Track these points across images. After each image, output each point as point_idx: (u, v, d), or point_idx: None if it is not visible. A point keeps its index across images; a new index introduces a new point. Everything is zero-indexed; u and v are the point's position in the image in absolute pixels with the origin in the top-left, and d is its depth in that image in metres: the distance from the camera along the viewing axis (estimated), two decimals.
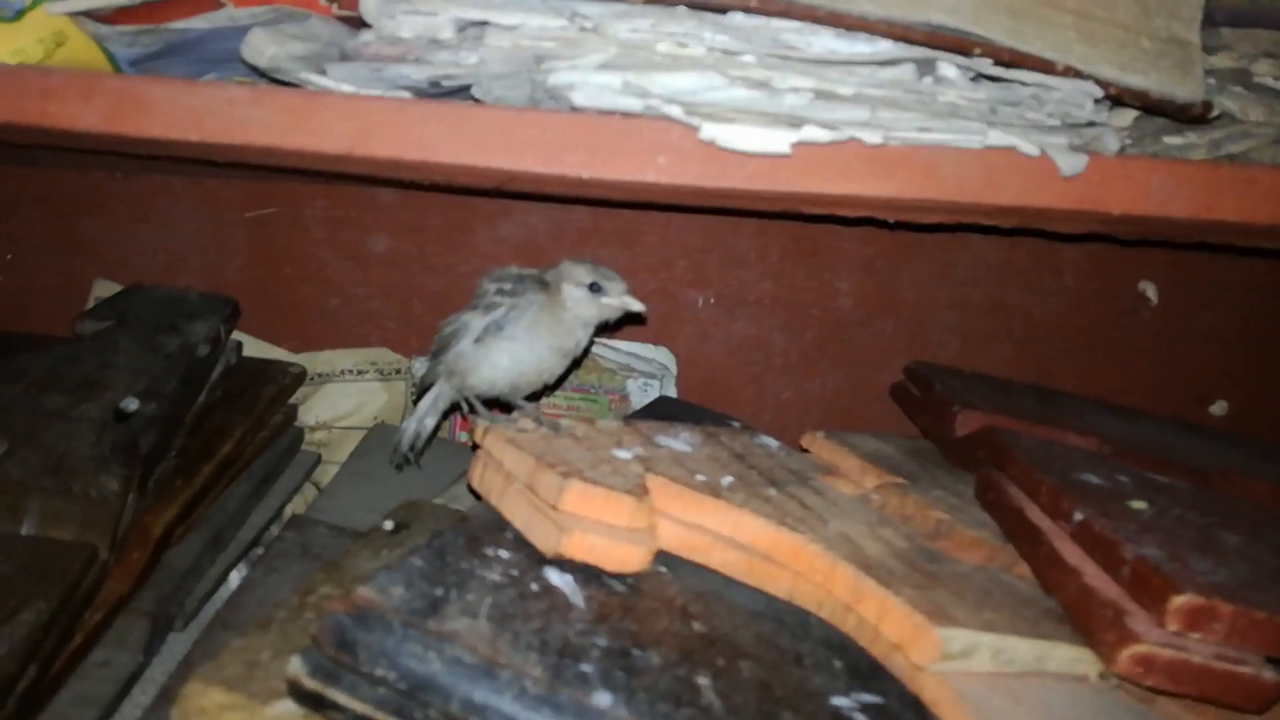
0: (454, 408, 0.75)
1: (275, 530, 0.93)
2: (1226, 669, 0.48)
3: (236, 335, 1.02)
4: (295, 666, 0.46)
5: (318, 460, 1.00)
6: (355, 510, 0.83)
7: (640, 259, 1.08)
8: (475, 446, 0.62)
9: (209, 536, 0.84)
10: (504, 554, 0.54)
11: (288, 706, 0.47)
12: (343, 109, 0.54)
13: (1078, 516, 0.59)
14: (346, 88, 0.57)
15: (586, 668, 0.46)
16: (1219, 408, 1.12)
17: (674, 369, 1.08)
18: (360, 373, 1.07)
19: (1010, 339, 1.10)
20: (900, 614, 0.51)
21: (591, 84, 0.51)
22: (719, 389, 1.10)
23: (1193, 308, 1.10)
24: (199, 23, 0.60)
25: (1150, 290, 1.10)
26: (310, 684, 0.45)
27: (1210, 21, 0.62)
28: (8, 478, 0.73)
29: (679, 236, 1.08)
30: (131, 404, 0.82)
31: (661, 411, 0.97)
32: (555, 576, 0.53)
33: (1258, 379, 1.11)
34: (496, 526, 0.57)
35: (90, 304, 1.03)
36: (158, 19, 0.60)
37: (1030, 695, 0.50)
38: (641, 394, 1.07)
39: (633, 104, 0.52)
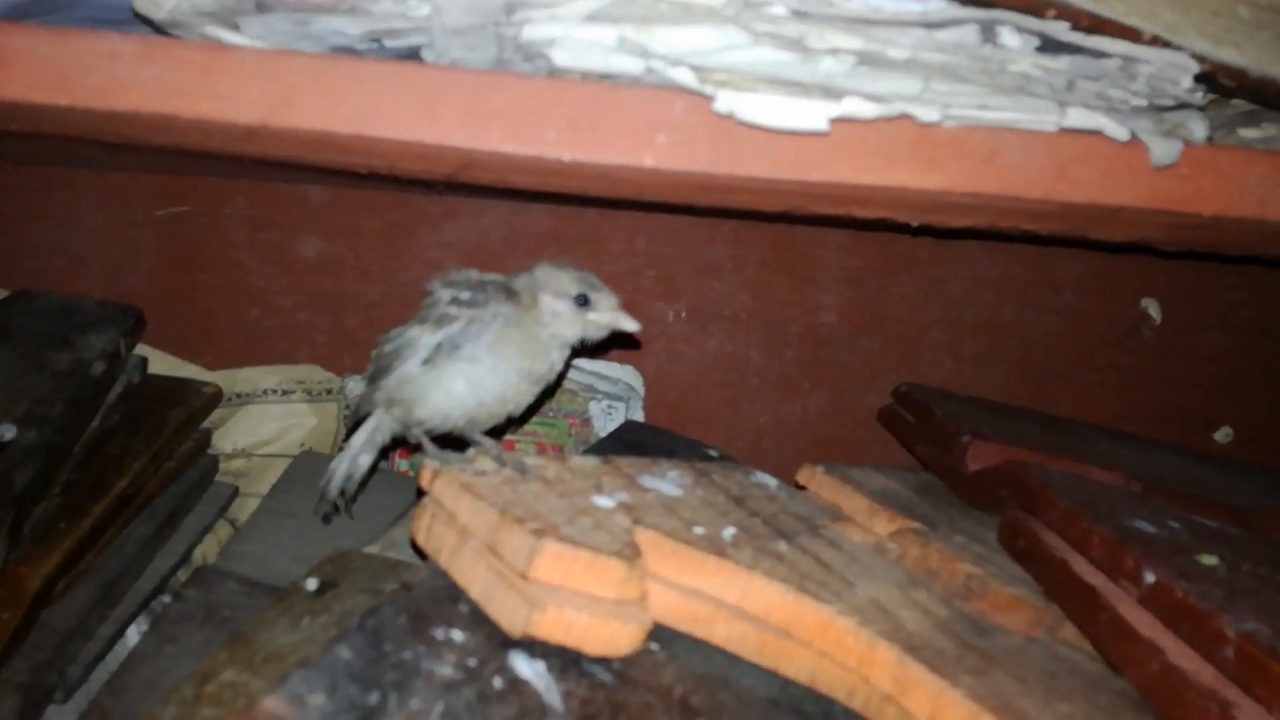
0: (396, 442, 0.62)
1: (182, 575, 0.81)
2: None
3: (141, 350, 0.89)
4: None
5: (234, 494, 0.88)
6: (275, 557, 0.71)
7: (605, 267, 0.96)
8: (421, 492, 0.50)
9: (99, 589, 0.71)
10: (457, 636, 0.42)
11: None
12: (257, 67, 0.42)
13: (1149, 578, 0.49)
14: (263, 44, 0.45)
15: None
16: (1223, 435, 1.04)
17: (641, 390, 0.97)
18: (285, 393, 0.94)
19: (1005, 359, 1.01)
20: (962, 711, 0.41)
21: (577, 39, 0.40)
22: (690, 412, 1.00)
23: (1197, 327, 1.03)
24: None
25: (1153, 308, 1.02)
26: None
27: None
28: None
29: (647, 243, 0.97)
30: (8, 432, 0.69)
31: (629, 438, 0.87)
32: (524, 666, 0.42)
33: (1263, 404, 1.03)
34: (448, 597, 0.45)
35: None
36: None
37: None
38: (605, 417, 0.96)
39: (630, 66, 0.41)
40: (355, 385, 0.94)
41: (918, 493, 0.72)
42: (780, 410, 1.00)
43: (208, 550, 0.84)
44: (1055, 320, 1.01)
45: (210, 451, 0.89)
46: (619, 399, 0.96)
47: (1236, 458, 1.02)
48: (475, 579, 0.45)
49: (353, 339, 0.96)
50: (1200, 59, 0.45)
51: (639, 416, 0.96)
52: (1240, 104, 0.51)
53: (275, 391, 0.95)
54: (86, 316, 0.82)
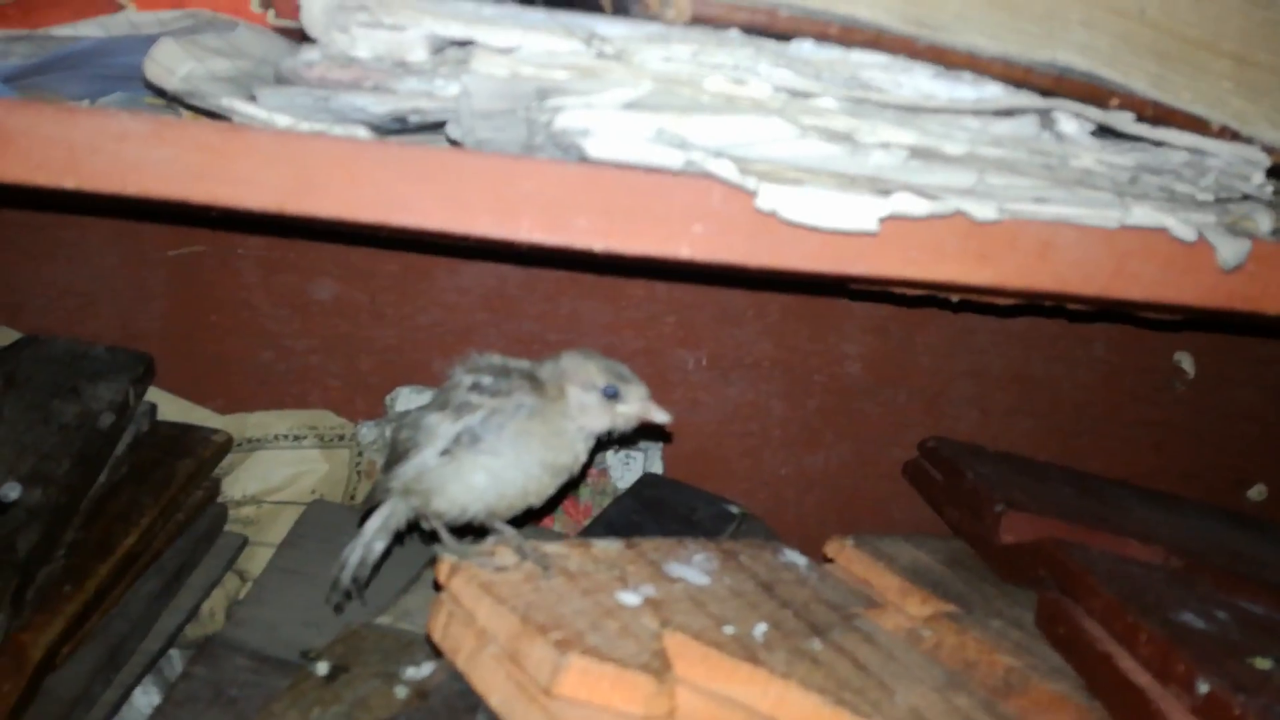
0: (411, 527, 0.60)
1: (189, 632, 0.79)
2: None
3: (152, 393, 0.87)
4: None
5: (243, 544, 0.86)
6: (285, 623, 0.69)
7: (624, 313, 0.95)
8: (438, 586, 0.48)
9: (104, 652, 0.69)
10: None
11: None
12: (274, 150, 0.40)
13: (1203, 688, 0.47)
14: (282, 120, 0.43)
15: None
16: (1257, 492, 1.02)
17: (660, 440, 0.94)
18: (297, 438, 0.92)
19: (1033, 413, 0.99)
20: None
21: (613, 129, 0.38)
22: (710, 462, 0.97)
23: (1232, 384, 1.00)
24: (90, 29, 0.46)
25: (1186, 362, 0.99)
26: None
27: None
28: None
29: (668, 290, 0.95)
30: (12, 492, 0.67)
31: (649, 495, 0.85)
32: None
33: None
34: (464, 705, 0.43)
35: None
36: (34, 22, 0.46)
37: None
38: (623, 467, 0.94)
39: (669, 158, 0.38)
40: (368, 431, 0.92)
41: (950, 566, 0.69)
42: (802, 462, 0.98)
43: (215, 604, 0.82)
44: (1085, 374, 0.99)
45: (220, 499, 0.87)
46: (637, 449, 0.94)
47: (1271, 516, 0.99)
48: (495, 687, 0.43)
49: (366, 384, 0.94)
50: (1271, 150, 0.42)
51: (657, 467, 0.94)
52: None
53: (287, 437, 0.93)
54: (95, 365, 0.80)
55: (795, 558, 0.61)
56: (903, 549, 0.69)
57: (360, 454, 0.93)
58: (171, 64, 0.46)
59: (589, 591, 0.47)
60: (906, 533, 0.76)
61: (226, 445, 0.86)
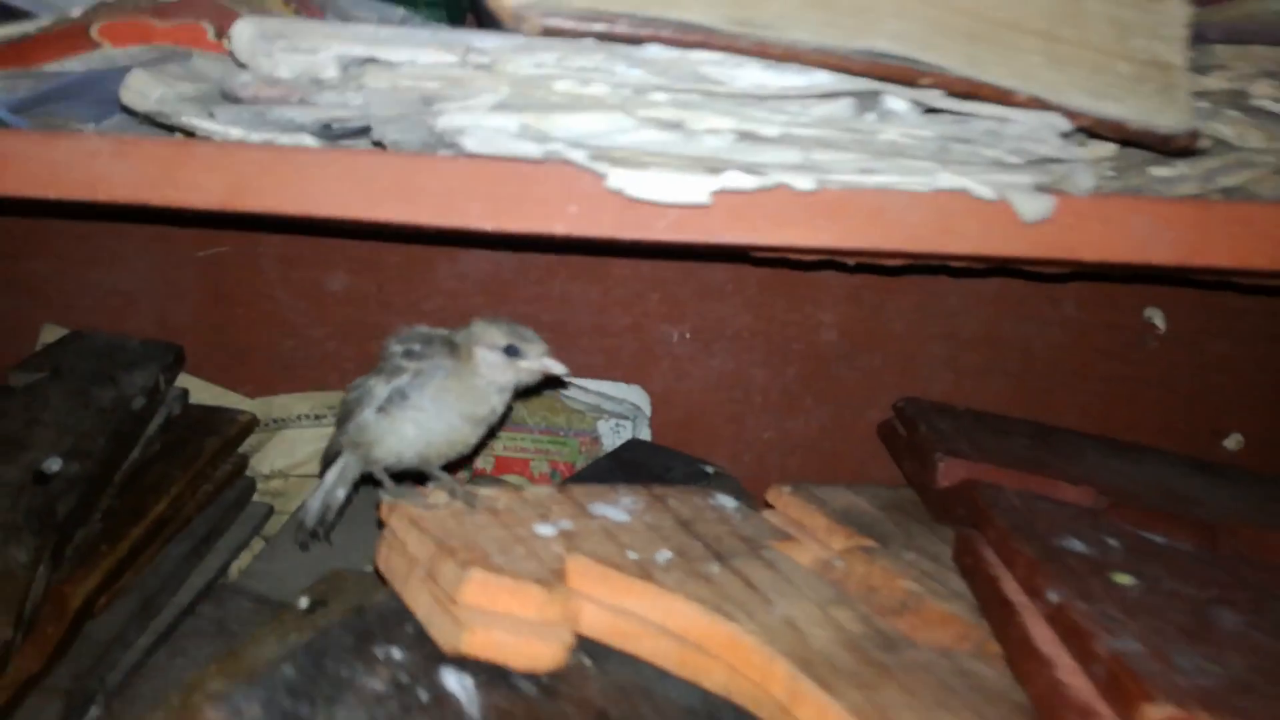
0: (364, 478, 0.69)
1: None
2: None
3: (185, 380, 0.97)
4: None
5: (269, 512, 0.95)
6: (293, 576, 0.78)
7: (611, 293, 1.03)
8: (380, 524, 0.56)
9: (138, 603, 0.78)
10: (397, 654, 0.48)
11: None
12: (213, 160, 0.48)
13: (1053, 597, 0.53)
14: (235, 131, 0.51)
15: None
16: (1234, 442, 1.05)
17: (647, 409, 1.02)
18: (318, 417, 1.02)
19: (1006, 373, 1.03)
20: None
21: (484, 127, 0.46)
22: (696, 429, 1.04)
23: (1204, 336, 1.03)
24: (74, 64, 0.55)
25: (1158, 318, 1.03)
26: None
27: (1202, 39, 0.55)
28: None
29: (651, 268, 1.02)
30: (54, 464, 0.77)
31: (628, 457, 0.92)
32: (452, 680, 0.47)
33: (1274, 410, 1.03)
34: (397, 619, 0.51)
35: (34, 351, 0.99)
36: (27, 61, 0.55)
37: None
38: (614, 435, 1.01)
39: (531, 149, 0.46)
40: None
41: (884, 510, 0.75)
42: (783, 426, 1.04)
43: (243, 565, 0.92)
44: (1056, 332, 1.03)
45: (248, 474, 0.97)
46: (626, 418, 1.01)
47: (1248, 465, 1.02)
48: (420, 603, 0.51)
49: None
50: (1078, 115, 0.48)
51: (646, 435, 1.01)
52: None
53: (309, 417, 1.02)
54: (130, 355, 0.90)
55: (726, 501, 0.68)
56: (839, 495, 0.75)
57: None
58: (145, 90, 0.54)
59: (508, 525, 0.55)
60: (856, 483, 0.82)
61: (251, 424, 0.96)
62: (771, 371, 1.03)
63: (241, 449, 0.96)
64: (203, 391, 1.00)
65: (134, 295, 1.03)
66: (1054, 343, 1.03)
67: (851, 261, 0.62)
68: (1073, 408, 1.03)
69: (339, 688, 0.44)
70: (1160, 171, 0.55)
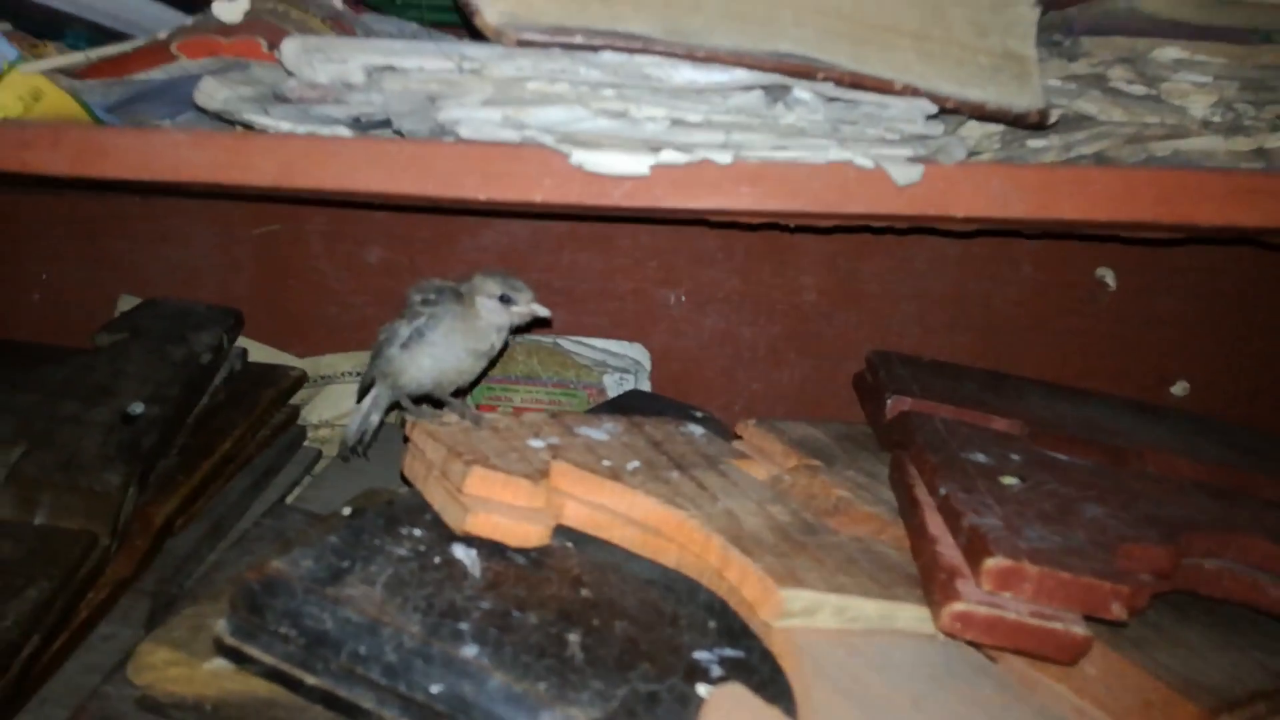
0: (395, 405, 0.83)
1: None
2: (1039, 625, 0.54)
3: (244, 342, 1.11)
4: (220, 627, 0.54)
5: (318, 455, 1.09)
6: (337, 498, 0.92)
7: (615, 261, 1.15)
8: (406, 440, 0.70)
9: (209, 526, 0.93)
10: (417, 532, 0.62)
11: (221, 662, 0.56)
12: (268, 148, 0.62)
13: (943, 490, 0.65)
14: (285, 125, 0.65)
15: (463, 626, 0.53)
16: (1180, 388, 1.15)
17: (648, 364, 1.14)
18: (359, 374, 1.16)
19: (970, 328, 1.15)
20: (754, 577, 0.58)
21: (475, 119, 0.59)
22: (692, 382, 1.17)
23: (1151, 292, 1.13)
24: (157, 74, 0.69)
25: (1109, 277, 1.14)
26: (230, 641, 0.54)
27: (1070, 31, 0.67)
28: (25, 474, 0.83)
29: (650, 239, 1.15)
30: (137, 408, 0.91)
31: (623, 403, 1.04)
32: (460, 551, 0.61)
33: (1217, 358, 1.14)
34: (418, 509, 0.65)
35: (115, 316, 1.14)
36: (120, 72, 0.68)
37: (870, 648, 0.56)
38: (618, 387, 1.14)
39: (511, 135, 0.59)
40: None
41: (837, 440, 0.88)
42: (770, 378, 1.17)
43: (295, 499, 1.06)
44: (1014, 290, 1.14)
45: (300, 423, 1.11)
46: (628, 372, 1.14)
47: (1192, 408, 1.13)
48: (435, 496, 0.65)
49: None
50: (945, 99, 0.60)
51: (646, 387, 1.14)
52: None
53: (351, 373, 1.16)
54: (197, 318, 1.05)
55: (695, 429, 0.81)
56: (799, 427, 0.87)
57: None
58: (213, 92, 0.68)
59: (506, 439, 0.68)
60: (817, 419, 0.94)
61: (301, 379, 1.10)
62: (758, 329, 1.16)
63: (293, 401, 1.10)
64: (259, 351, 1.14)
65: (198, 268, 1.17)
66: (1014, 300, 1.14)
67: (791, 224, 0.74)
68: (1031, 359, 1.14)
69: (373, 552, 0.58)
70: (1034, 143, 0.67)
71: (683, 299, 1.15)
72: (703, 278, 1.15)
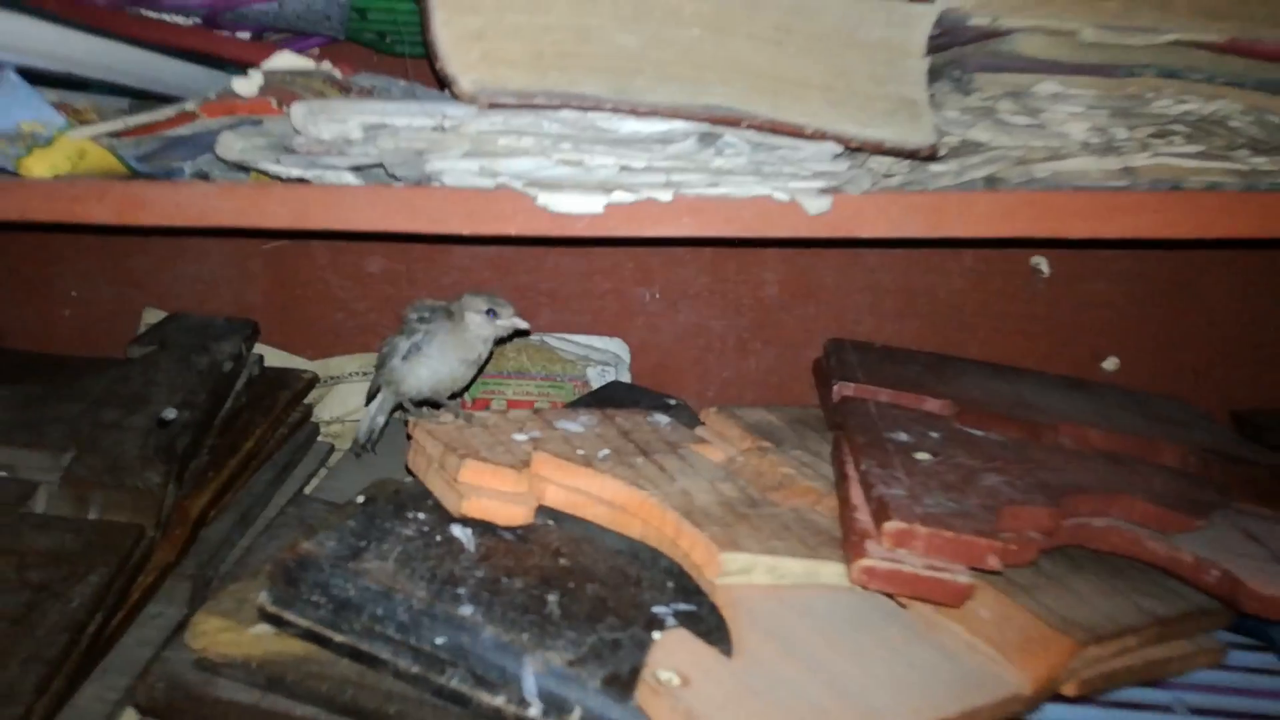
0: (398, 407, 0.95)
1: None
2: (930, 575, 0.65)
3: (261, 348, 1.23)
4: (263, 597, 0.66)
5: (330, 450, 1.21)
6: (350, 489, 1.04)
7: (595, 263, 1.27)
8: (409, 437, 0.82)
9: (238, 515, 1.05)
10: (422, 516, 0.74)
11: (263, 627, 0.68)
12: (283, 196, 0.73)
13: (864, 466, 0.77)
14: (295, 171, 0.76)
15: (461, 590, 0.65)
16: (1111, 364, 1.26)
17: (627, 357, 1.26)
18: (365, 374, 1.27)
19: (919, 315, 1.26)
20: (701, 544, 0.70)
21: (456, 169, 0.70)
22: (668, 372, 1.28)
23: (1082, 277, 1.24)
24: (183, 129, 0.80)
25: (1043, 265, 1.25)
26: (271, 608, 0.66)
27: (964, 68, 0.78)
28: (77, 476, 0.95)
29: (625, 243, 1.26)
30: (170, 414, 1.03)
31: (604, 394, 1.16)
32: (458, 530, 0.73)
33: (1144, 335, 1.25)
34: (422, 496, 0.77)
35: (140, 329, 1.25)
36: (153, 130, 0.80)
37: (797, 600, 0.68)
38: (600, 379, 1.25)
39: (487, 182, 0.70)
40: None
41: (789, 424, 0.99)
42: (739, 367, 1.28)
43: (312, 489, 1.18)
44: (958, 280, 1.24)
45: (313, 420, 1.23)
46: (610, 365, 1.25)
47: (1123, 382, 1.24)
48: (435, 485, 0.76)
49: None
50: (849, 140, 0.71)
51: (626, 379, 1.26)
52: None
53: (357, 374, 1.28)
54: (217, 330, 1.16)
55: (660, 419, 0.93)
56: (755, 413, 0.99)
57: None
58: (231, 144, 0.79)
59: (494, 434, 0.80)
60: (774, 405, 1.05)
61: (313, 381, 1.22)
62: (726, 322, 1.27)
63: (306, 401, 1.22)
64: (273, 356, 1.26)
65: (215, 281, 1.29)
66: (957, 288, 1.25)
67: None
68: (975, 342, 1.25)
69: (385, 532, 0.70)
70: (935, 168, 0.78)
71: (657, 296, 1.27)
72: (674, 277, 1.26)
